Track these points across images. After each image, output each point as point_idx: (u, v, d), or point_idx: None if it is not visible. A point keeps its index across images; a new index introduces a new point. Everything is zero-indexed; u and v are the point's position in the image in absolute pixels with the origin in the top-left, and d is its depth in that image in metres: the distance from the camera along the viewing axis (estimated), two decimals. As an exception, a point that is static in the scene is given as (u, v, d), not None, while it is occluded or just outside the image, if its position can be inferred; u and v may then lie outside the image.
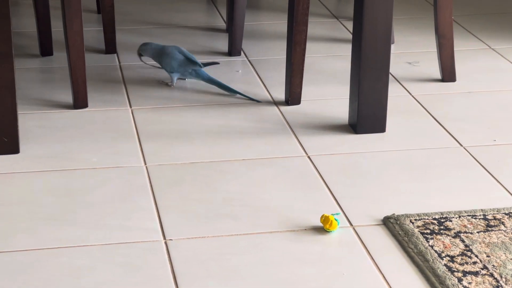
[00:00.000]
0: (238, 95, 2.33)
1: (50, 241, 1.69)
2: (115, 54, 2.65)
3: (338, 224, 1.73)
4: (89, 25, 2.86)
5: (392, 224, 1.74)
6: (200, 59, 2.62)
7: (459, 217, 1.77)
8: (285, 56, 2.36)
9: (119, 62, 2.60)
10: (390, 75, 2.22)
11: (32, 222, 1.75)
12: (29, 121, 2.21)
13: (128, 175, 1.95)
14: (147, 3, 3.13)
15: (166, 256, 1.65)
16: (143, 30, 2.87)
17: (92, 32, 2.81)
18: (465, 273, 1.59)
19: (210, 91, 2.40)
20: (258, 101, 2.30)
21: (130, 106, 2.31)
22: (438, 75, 2.51)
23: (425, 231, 1.72)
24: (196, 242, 1.69)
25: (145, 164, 2.00)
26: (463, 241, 1.69)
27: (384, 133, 2.16)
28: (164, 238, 1.71)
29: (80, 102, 2.28)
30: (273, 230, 1.74)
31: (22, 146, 2.06)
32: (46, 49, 2.63)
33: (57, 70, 2.54)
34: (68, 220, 1.76)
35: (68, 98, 2.33)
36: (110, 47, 2.65)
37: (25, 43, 2.73)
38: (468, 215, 1.78)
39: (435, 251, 1.65)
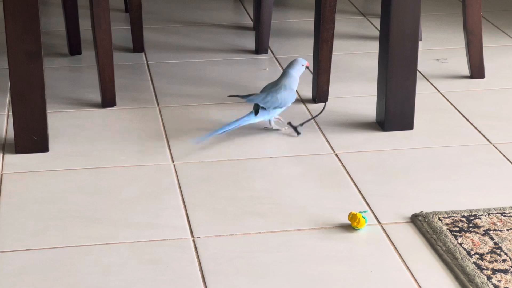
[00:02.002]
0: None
1: (79, 238, 1.70)
2: (143, 53, 2.66)
3: (366, 222, 1.73)
4: (117, 24, 2.87)
5: (420, 222, 1.74)
6: (228, 57, 2.63)
7: (488, 214, 1.76)
8: (312, 54, 2.36)
9: (147, 61, 2.61)
10: (418, 72, 2.21)
11: (61, 220, 1.77)
12: (58, 120, 2.22)
13: (156, 173, 1.96)
14: (174, 1, 3.14)
15: (194, 254, 1.65)
16: (171, 28, 2.88)
17: (120, 31, 2.83)
18: (494, 271, 1.58)
19: (237, 88, 2.40)
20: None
21: (158, 105, 2.32)
22: (466, 72, 2.49)
23: (454, 229, 1.71)
24: (224, 240, 1.70)
25: (173, 162, 2.01)
26: (492, 238, 1.68)
27: (412, 130, 2.15)
28: (192, 236, 1.71)
29: (108, 100, 2.29)
30: (301, 228, 1.74)
31: (51, 145, 2.08)
32: (74, 48, 2.64)
33: (85, 69, 2.55)
34: (97, 218, 1.78)
35: (97, 96, 2.35)
36: (138, 45, 2.67)
37: (54, 42, 2.75)
38: (497, 213, 1.77)
39: (464, 249, 1.64)
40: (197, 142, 2.06)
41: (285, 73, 2.14)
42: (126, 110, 2.29)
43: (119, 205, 1.82)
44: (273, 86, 2.12)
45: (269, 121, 2.13)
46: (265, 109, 2.09)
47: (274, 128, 2.13)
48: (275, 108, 2.10)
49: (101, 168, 1.98)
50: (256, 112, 2.08)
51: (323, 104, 2.17)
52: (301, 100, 2.33)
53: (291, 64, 2.15)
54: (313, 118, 2.12)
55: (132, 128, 2.18)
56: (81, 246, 1.68)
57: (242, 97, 2.10)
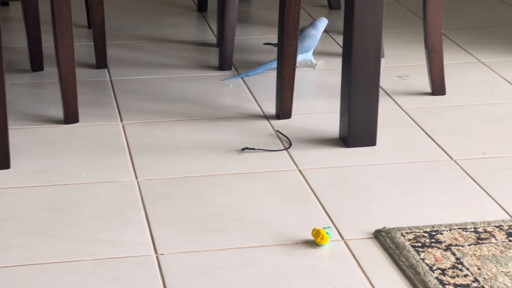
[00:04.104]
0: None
1: (41, 256, 1.68)
2: (106, 69, 2.66)
3: (329, 238, 1.73)
4: (80, 40, 2.86)
5: (383, 237, 1.75)
6: (191, 73, 2.63)
7: (450, 230, 1.78)
8: (275, 70, 2.37)
9: (110, 77, 2.60)
10: (380, 89, 2.23)
11: (23, 238, 1.75)
12: (19, 136, 2.21)
13: (119, 189, 1.95)
14: (137, 18, 3.14)
15: (158, 271, 1.65)
16: (134, 44, 2.87)
17: (83, 47, 2.81)
18: (456, 286, 1.59)
19: (200, 104, 2.40)
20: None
21: (121, 121, 2.31)
22: (428, 88, 2.52)
23: (416, 244, 1.72)
24: (187, 256, 1.69)
25: (136, 178, 2.00)
26: (454, 254, 1.69)
27: (375, 146, 2.16)
28: (156, 252, 1.71)
29: (71, 117, 2.28)
30: (264, 244, 1.74)
31: (13, 161, 2.06)
32: (36, 64, 2.63)
33: (47, 85, 2.54)
34: (59, 235, 1.76)
35: (59, 113, 2.33)
36: (101, 61, 2.66)
37: (15, 59, 2.73)
38: (459, 228, 1.78)
39: (426, 264, 1.66)
40: (228, 84, 2.45)
41: (311, 24, 2.62)
42: (89, 126, 2.27)
43: (82, 222, 1.81)
44: (299, 35, 2.52)
45: (297, 65, 2.53)
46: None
47: (304, 66, 2.63)
48: (302, 53, 2.57)
49: (64, 185, 1.97)
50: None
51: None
52: (264, 117, 2.34)
53: (318, 19, 2.64)
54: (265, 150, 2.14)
55: (95, 145, 2.17)
56: (44, 263, 1.66)
57: (275, 45, 2.54)
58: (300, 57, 2.60)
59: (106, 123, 2.29)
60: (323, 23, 2.65)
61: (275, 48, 2.57)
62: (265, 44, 2.69)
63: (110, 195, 1.92)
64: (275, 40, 2.50)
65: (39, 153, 2.12)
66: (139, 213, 1.85)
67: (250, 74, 2.52)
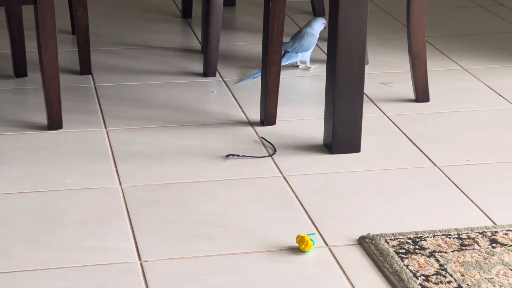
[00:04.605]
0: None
1: (25, 263, 1.68)
2: (90, 75, 2.65)
3: (313, 244, 1.73)
4: (64, 46, 2.86)
5: (367, 244, 1.75)
6: (176, 80, 2.63)
7: (434, 236, 1.78)
8: (260, 77, 2.37)
9: (94, 83, 2.60)
10: (364, 96, 2.24)
11: (7, 244, 1.74)
12: (3, 143, 2.20)
13: (103, 196, 1.94)
14: (122, 24, 3.13)
15: (142, 277, 1.64)
16: (118, 51, 2.87)
17: (67, 53, 2.81)
18: (440, 292, 1.60)
19: (185, 110, 2.40)
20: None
21: (105, 127, 2.30)
22: (412, 95, 2.53)
23: (400, 251, 1.73)
24: (172, 263, 1.69)
25: (120, 185, 2.00)
26: (437, 260, 1.70)
27: (359, 153, 2.17)
28: (140, 259, 1.70)
29: (54, 123, 2.28)
30: (249, 250, 1.74)
31: (-4, 168, 2.05)
32: (20, 70, 2.62)
33: (31, 91, 2.53)
34: (43, 242, 1.75)
35: (43, 119, 2.33)
36: (85, 68, 2.65)
37: (-1, 64, 2.72)
38: (442, 235, 1.79)
39: (410, 270, 1.66)
40: (235, 83, 2.50)
41: (308, 24, 2.68)
42: (72, 132, 2.27)
43: (66, 228, 1.80)
44: (298, 34, 2.65)
45: (298, 63, 2.68)
46: (293, 53, 2.65)
47: (301, 68, 2.69)
48: (302, 51, 2.64)
49: (47, 191, 1.96)
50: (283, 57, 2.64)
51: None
52: (249, 123, 2.34)
53: (314, 19, 2.69)
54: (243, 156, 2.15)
55: (79, 151, 2.16)
56: (27, 271, 1.65)
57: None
58: (300, 56, 2.66)
59: (90, 130, 2.29)
60: (319, 22, 2.68)
61: (259, 56, 2.57)
62: None
63: (94, 202, 1.91)
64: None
65: (22, 160, 2.11)
66: (123, 219, 1.84)
67: (257, 75, 2.59)
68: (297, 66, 2.70)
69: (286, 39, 2.64)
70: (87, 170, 2.06)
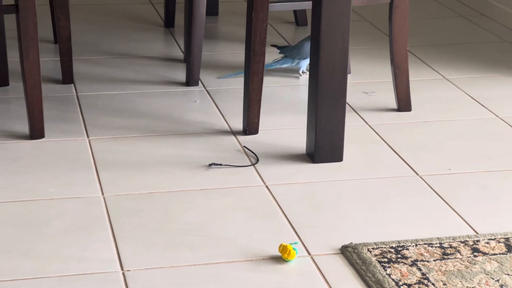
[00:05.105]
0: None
1: (7, 273, 1.67)
2: (72, 84, 2.64)
3: (296, 254, 1.73)
4: (46, 55, 2.85)
5: (350, 253, 1.75)
6: (158, 89, 2.63)
7: (416, 245, 1.79)
8: (243, 86, 2.38)
9: (77, 92, 2.59)
10: (347, 105, 2.24)
11: (-13, 254, 1.73)
12: (-16, 152, 2.19)
13: (85, 205, 1.94)
14: (104, 33, 3.13)
15: (124, 287, 1.63)
16: (101, 60, 2.86)
17: (49, 62, 2.80)
18: (422, 301, 1.60)
19: (167, 120, 2.40)
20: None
21: (88, 136, 2.30)
22: (394, 104, 2.54)
23: (383, 260, 1.73)
24: (153, 272, 1.68)
25: (103, 194, 1.99)
26: (420, 269, 1.70)
27: (341, 162, 2.17)
28: (122, 269, 1.70)
29: (36, 132, 2.27)
30: (231, 260, 1.73)
31: (-23, 177, 2.04)
32: (2, 79, 2.61)
33: (13, 101, 2.52)
34: (25, 251, 1.74)
35: (25, 128, 2.32)
36: (67, 77, 2.64)
37: (-20, 73, 2.70)
38: (424, 244, 1.79)
39: (393, 279, 1.66)
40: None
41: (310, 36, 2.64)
42: (55, 142, 2.26)
43: (48, 238, 1.80)
44: (300, 42, 2.71)
45: (299, 70, 2.72)
46: (290, 59, 2.70)
47: (299, 76, 2.72)
48: (299, 59, 2.69)
49: (29, 200, 1.95)
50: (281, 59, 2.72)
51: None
52: (231, 132, 2.34)
53: None
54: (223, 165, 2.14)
55: (61, 160, 2.15)
56: (8, 280, 1.64)
57: (278, 47, 2.74)
58: (295, 63, 2.71)
59: (72, 139, 2.28)
60: None
61: (242, 65, 2.57)
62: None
63: (76, 211, 1.91)
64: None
65: (4, 169, 2.10)
66: (105, 229, 1.84)
67: (239, 74, 2.68)
68: (298, 76, 2.73)
69: (268, 48, 2.64)
70: (69, 179, 2.05)
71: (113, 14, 3.33)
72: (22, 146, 2.23)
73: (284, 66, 2.73)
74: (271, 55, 2.79)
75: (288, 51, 2.72)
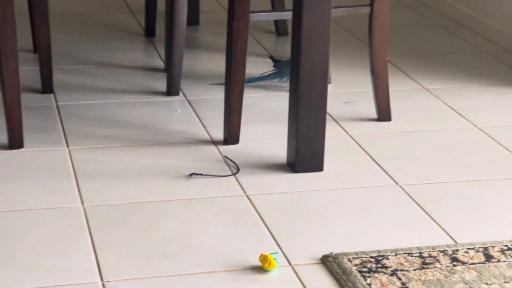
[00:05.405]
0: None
1: (-16, 284, 1.66)
2: (52, 94, 2.63)
3: (277, 264, 1.73)
4: (25, 64, 2.84)
5: (330, 263, 1.76)
6: (139, 98, 2.62)
7: (396, 255, 1.79)
8: (223, 96, 2.38)
9: (56, 102, 2.58)
10: (327, 115, 2.25)
11: (-34, 265, 1.72)
12: (-37, 162, 2.17)
13: (65, 216, 1.93)
14: (84, 42, 3.12)
15: (104, 298, 1.63)
16: (81, 69, 2.85)
17: (29, 72, 2.79)
18: (402, 310, 1.60)
19: (148, 129, 2.40)
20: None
21: (67, 146, 2.29)
22: (374, 114, 2.55)
23: (363, 269, 1.73)
24: (134, 283, 1.68)
25: (83, 204, 1.98)
26: (399, 279, 1.71)
27: (322, 172, 2.18)
28: (102, 279, 1.69)
29: (15, 142, 2.26)
30: (212, 270, 1.73)
31: (-44, 187, 2.03)
32: (-19, 89, 2.59)
33: (-8, 110, 2.51)
34: (3, 262, 1.73)
35: (4, 138, 2.30)
36: (47, 86, 2.64)
37: (-41, 82, 2.69)
38: (404, 253, 1.80)
39: (373, 289, 1.67)
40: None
41: None
42: (34, 151, 2.25)
43: (27, 249, 1.79)
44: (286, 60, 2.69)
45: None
46: (280, 74, 2.68)
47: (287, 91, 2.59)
48: (287, 77, 2.65)
49: (8, 211, 1.94)
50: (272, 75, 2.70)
51: None
52: (212, 142, 2.34)
53: None
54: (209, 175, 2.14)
55: (41, 170, 2.14)
56: (-13, 291, 1.64)
57: (274, 60, 2.73)
58: (285, 79, 2.68)
59: (52, 149, 2.27)
60: None
61: (223, 75, 2.57)
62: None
63: (56, 221, 1.90)
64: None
65: (-17, 179, 2.09)
66: (85, 239, 1.83)
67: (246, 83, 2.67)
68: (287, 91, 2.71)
69: (249, 59, 2.65)
70: (48, 190, 2.04)
71: (94, 23, 3.33)
72: (1, 156, 2.22)
73: (274, 81, 2.72)
74: (254, 65, 2.80)
75: (283, 66, 2.70)
